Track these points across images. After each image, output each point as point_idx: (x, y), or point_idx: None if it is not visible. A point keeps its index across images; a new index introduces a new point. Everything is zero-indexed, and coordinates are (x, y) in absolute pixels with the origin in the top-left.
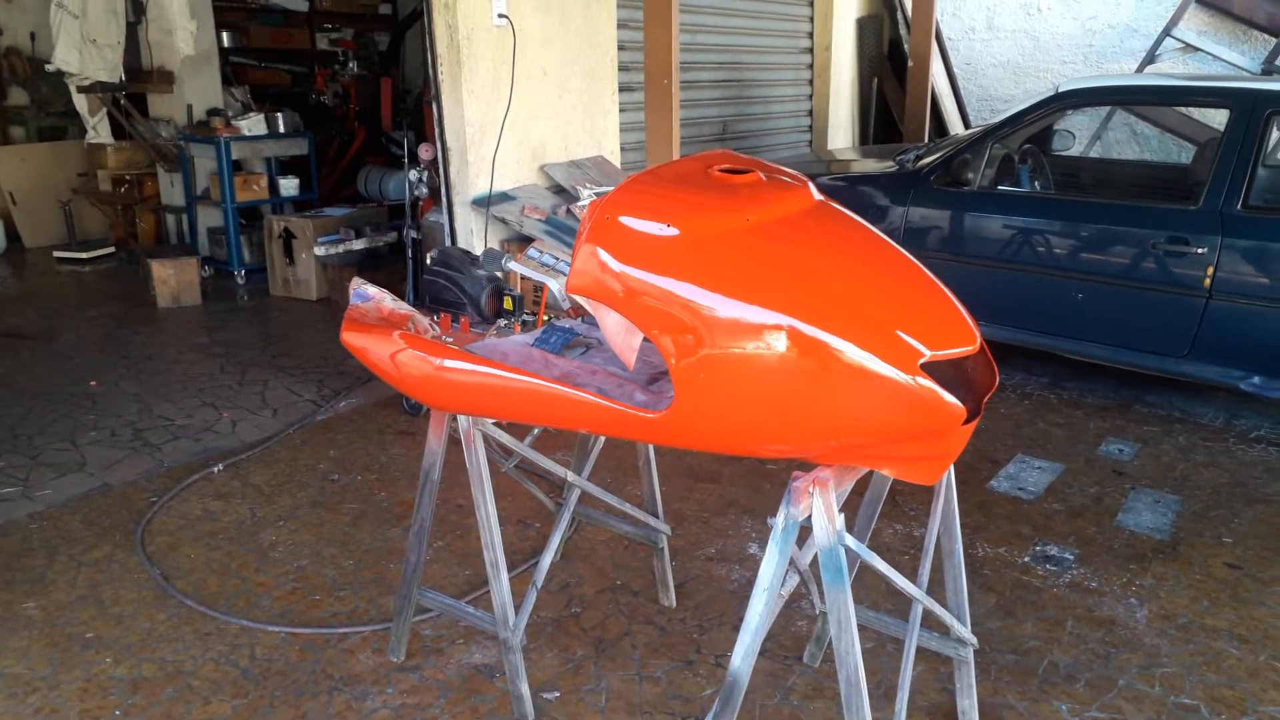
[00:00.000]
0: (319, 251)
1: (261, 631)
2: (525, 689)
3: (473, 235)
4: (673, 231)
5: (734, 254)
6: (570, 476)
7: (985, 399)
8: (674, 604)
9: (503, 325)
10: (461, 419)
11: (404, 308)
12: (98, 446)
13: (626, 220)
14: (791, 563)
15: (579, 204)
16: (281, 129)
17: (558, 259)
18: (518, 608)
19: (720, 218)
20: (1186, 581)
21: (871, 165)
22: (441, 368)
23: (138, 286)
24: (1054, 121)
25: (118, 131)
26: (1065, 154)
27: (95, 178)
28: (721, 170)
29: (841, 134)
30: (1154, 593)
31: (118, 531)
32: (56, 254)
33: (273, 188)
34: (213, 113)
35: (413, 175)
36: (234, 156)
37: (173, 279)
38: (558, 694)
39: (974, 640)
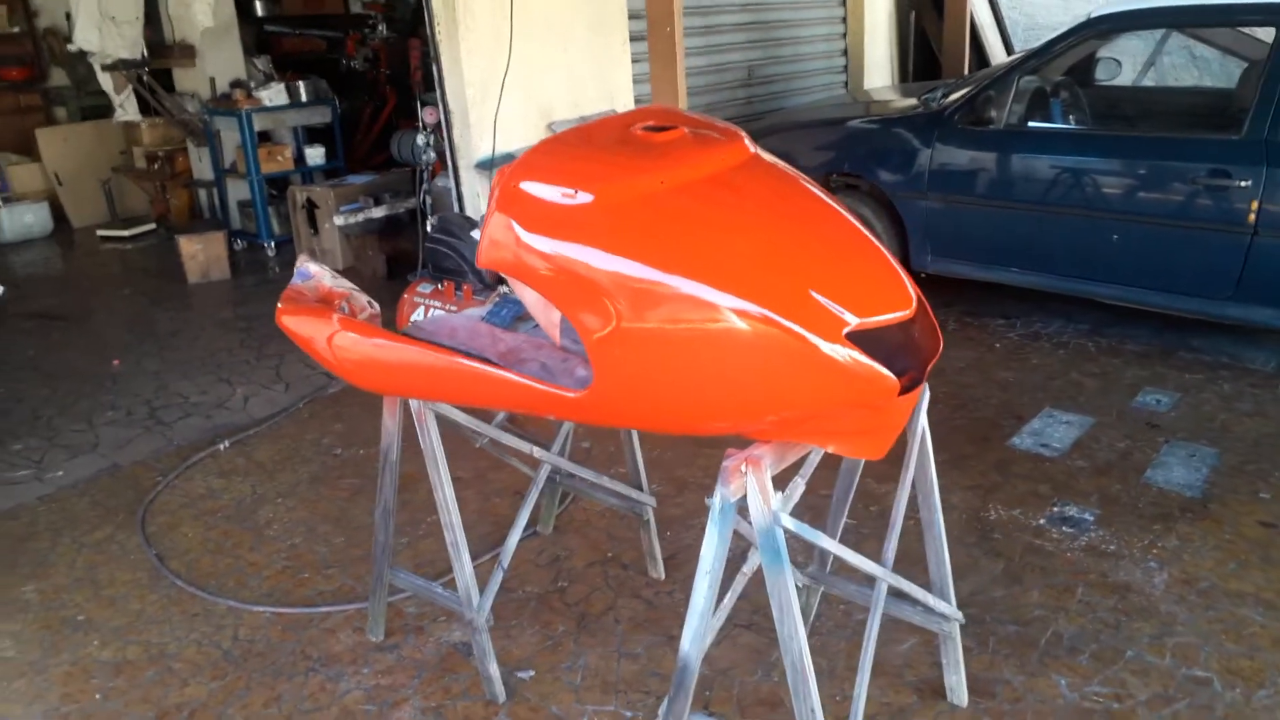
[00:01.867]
0: (339, 221)
1: (247, 612)
2: (494, 670)
3: (479, 199)
4: (585, 197)
5: (647, 219)
6: (537, 452)
7: (929, 366)
8: (663, 576)
9: (505, 292)
10: (412, 400)
11: (343, 285)
12: (112, 427)
13: (536, 187)
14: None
15: None
16: (304, 98)
17: None
18: (485, 588)
19: (635, 180)
20: (1214, 542)
21: (907, 105)
22: (371, 350)
23: (173, 263)
24: (1091, 50)
25: (146, 108)
26: (1110, 84)
27: (132, 155)
28: (644, 129)
29: (879, 73)
30: (1177, 555)
31: (122, 512)
32: (99, 233)
33: (300, 158)
34: (235, 85)
35: (419, 140)
36: (259, 128)
37: (200, 254)
38: (533, 673)
39: (958, 615)
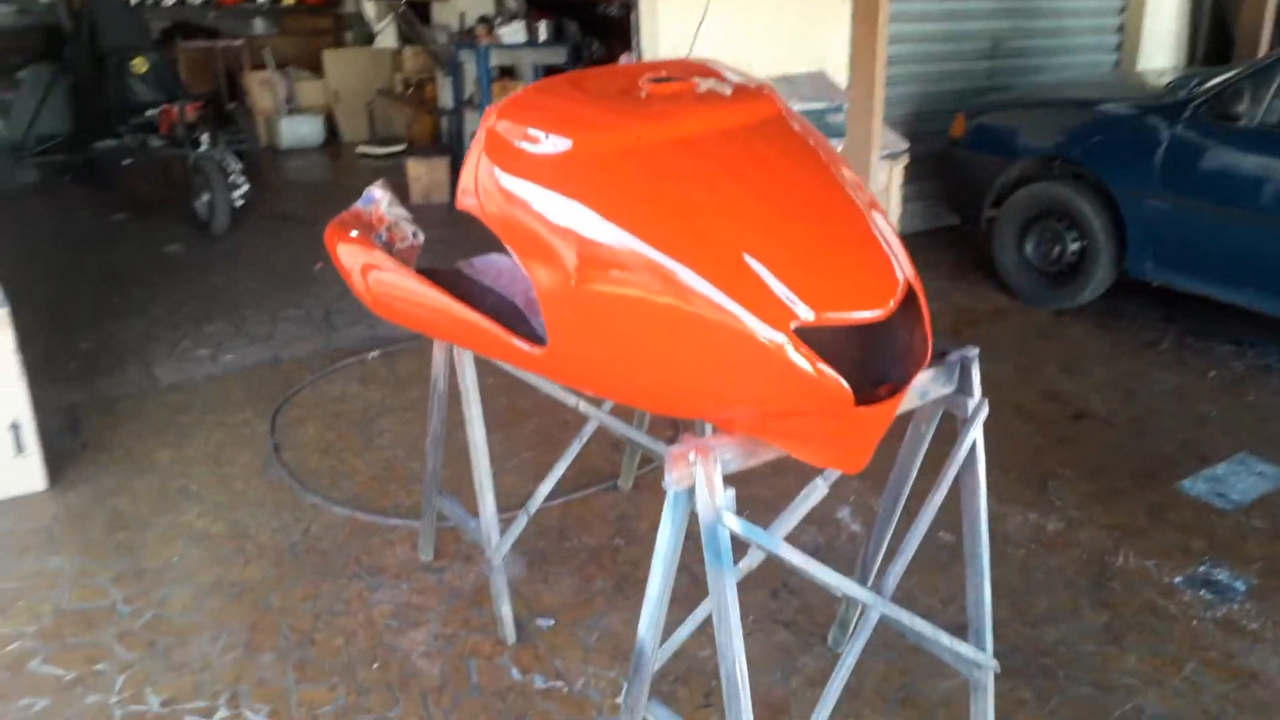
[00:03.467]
0: None
1: (327, 511)
2: (507, 611)
3: None
4: (558, 144)
5: (609, 174)
6: (582, 406)
7: (915, 375)
8: None
9: None
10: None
11: (397, 213)
12: (289, 323)
13: (512, 128)
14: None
15: None
16: (542, 37)
17: None
18: (508, 531)
19: (611, 133)
20: None
21: (1153, 92)
22: (385, 285)
23: (404, 183)
24: None
25: (405, 37)
26: None
27: (393, 80)
28: (652, 80)
29: (1163, 53)
30: None
31: (265, 401)
32: (358, 149)
33: None
34: (481, 20)
35: None
36: (500, 64)
37: (425, 177)
38: (553, 622)
39: (992, 663)
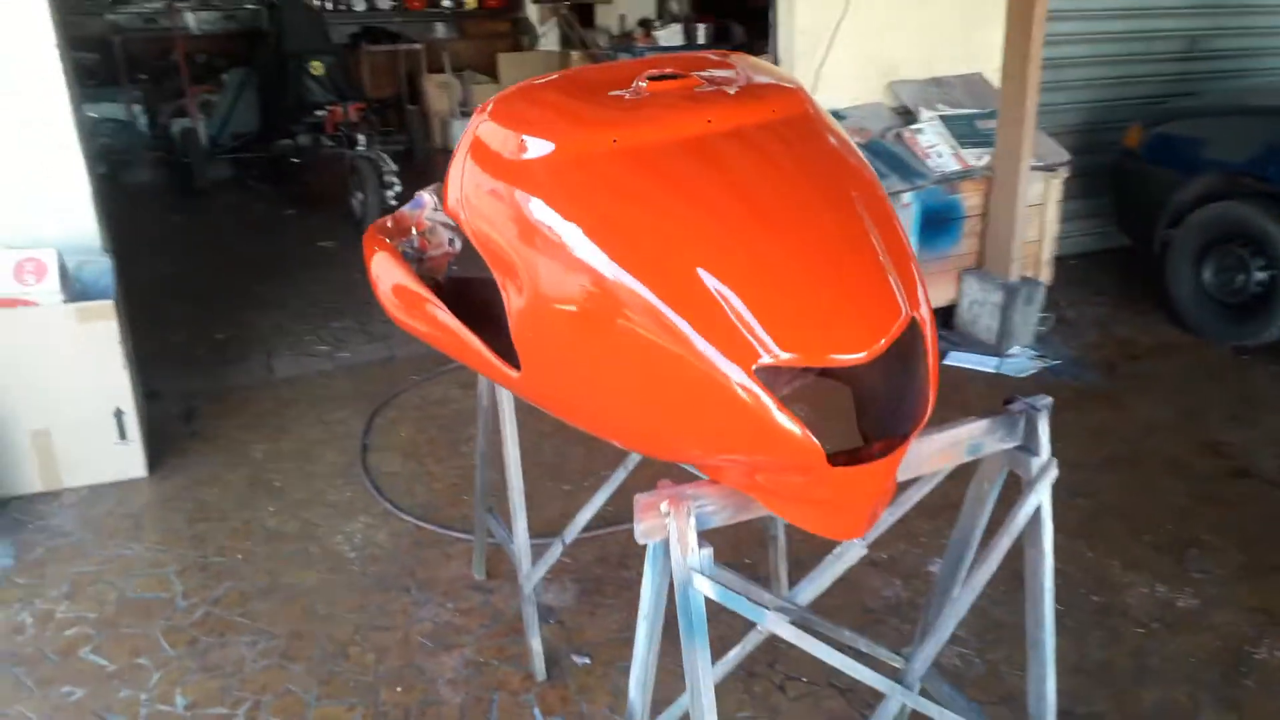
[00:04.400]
0: None
1: (396, 517)
2: (538, 645)
3: None
4: (542, 148)
5: (571, 182)
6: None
7: (915, 431)
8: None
9: None
10: None
11: (438, 218)
12: None
13: (495, 130)
14: None
15: (914, 127)
16: (700, 40)
17: None
18: (541, 559)
19: (585, 138)
20: None
21: None
22: (394, 289)
23: None
24: None
25: (566, 41)
26: None
27: None
28: (649, 77)
29: None
30: None
31: (366, 400)
32: None
33: None
34: (641, 23)
35: None
36: None
37: None
38: (588, 661)
39: None
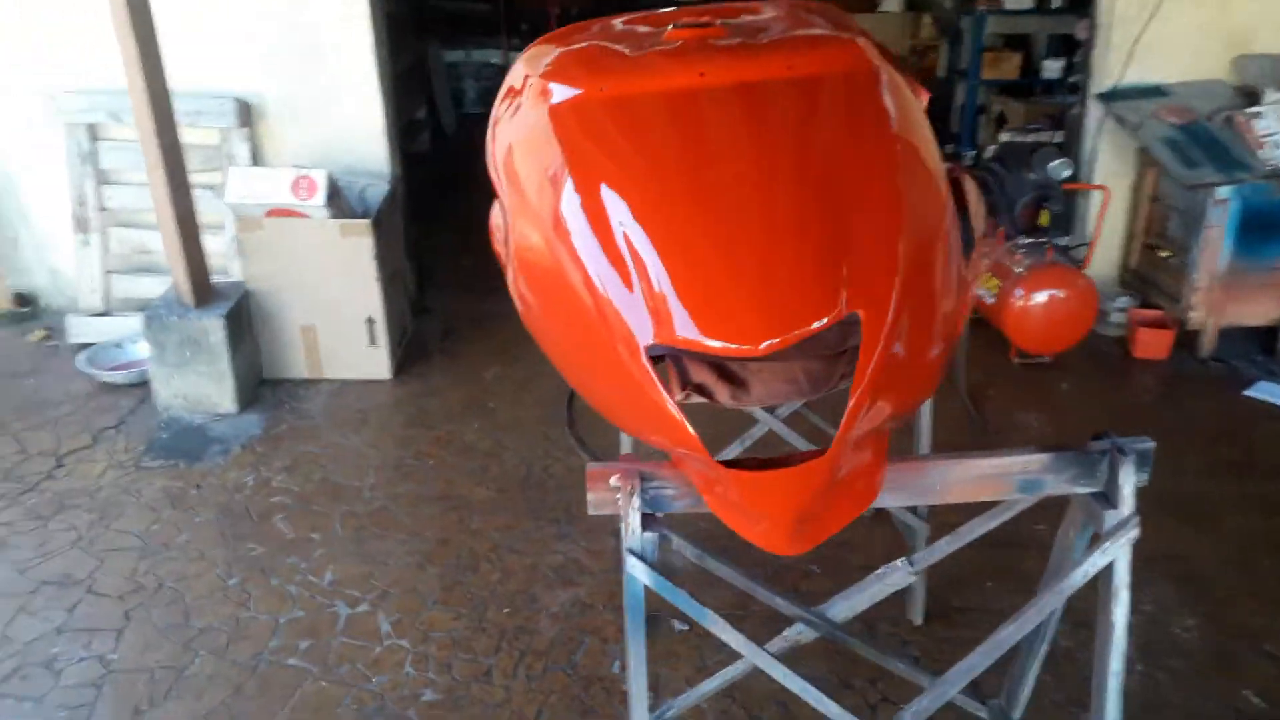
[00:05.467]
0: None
1: (577, 454)
2: None
3: (1098, 136)
4: (550, 88)
5: (559, 128)
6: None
7: (829, 451)
8: (919, 622)
9: (1025, 245)
10: None
11: None
12: None
13: (520, 70)
14: None
15: (1251, 110)
16: (1055, 3)
17: None
18: None
19: (586, 80)
20: None
21: None
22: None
23: None
24: None
25: (910, 3)
26: None
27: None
28: (679, 25)
29: None
30: None
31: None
32: None
33: (1029, 67)
34: None
35: (1053, 63)
36: (1003, 31)
37: None
38: (685, 629)
39: None
